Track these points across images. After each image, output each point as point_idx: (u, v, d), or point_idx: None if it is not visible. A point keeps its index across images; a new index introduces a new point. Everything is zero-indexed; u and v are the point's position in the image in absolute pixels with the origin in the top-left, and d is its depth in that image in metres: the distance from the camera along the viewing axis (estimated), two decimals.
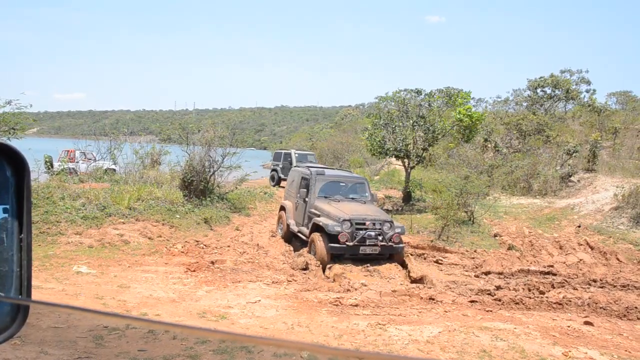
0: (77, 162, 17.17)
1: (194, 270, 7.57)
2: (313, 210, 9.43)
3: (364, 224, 8.63)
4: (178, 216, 10.86)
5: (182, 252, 8.78)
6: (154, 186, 12.64)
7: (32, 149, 11.50)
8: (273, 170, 21.72)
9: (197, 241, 9.49)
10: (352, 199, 9.92)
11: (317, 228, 8.92)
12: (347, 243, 8.39)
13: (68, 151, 17.93)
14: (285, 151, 22.54)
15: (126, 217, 9.97)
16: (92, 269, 7.23)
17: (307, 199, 9.80)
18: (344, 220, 8.52)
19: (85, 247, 8.45)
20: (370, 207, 9.69)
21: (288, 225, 10.49)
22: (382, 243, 8.55)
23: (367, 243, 8.51)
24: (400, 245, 8.84)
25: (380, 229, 8.65)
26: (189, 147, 13.28)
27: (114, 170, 15.73)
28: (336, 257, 8.54)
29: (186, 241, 9.46)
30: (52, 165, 15.42)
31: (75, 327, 4.54)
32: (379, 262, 8.61)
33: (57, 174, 12.42)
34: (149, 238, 9.39)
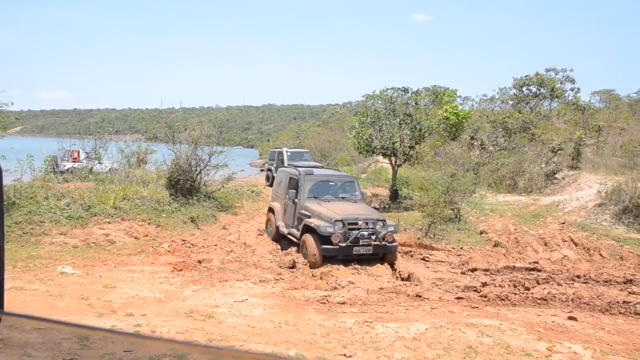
0: (81, 162, 16.95)
1: (181, 270, 7.52)
2: (303, 212, 9.22)
3: (357, 223, 8.48)
4: (164, 215, 10.78)
5: (169, 251, 8.73)
6: (140, 185, 12.53)
7: (15, 148, 11.33)
8: (268, 169, 21.26)
9: (183, 240, 9.44)
10: (343, 198, 9.77)
11: (308, 229, 8.73)
12: (340, 244, 8.25)
13: (72, 151, 17.71)
14: (279, 150, 21.79)
15: (112, 216, 9.87)
16: (77, 270, 7.14)
17: (296, 200, 9.61)
18: (336, 220, 8.37)
19: (69, 247, 8.35)
20: (361, 206, 9.56)
21: (277, 227, 10.30)
22: (376, 242, 8.43)
23: (361, 243, 8.39)
24: (394, 244, 8.74)
25: (373, 228, 8.52)
26: (175, 146, 13.18)
27: (116, 169, 15.54)
28: (328, 258, 8.42)
29: (173, 240, 9.40)
30: (57, 165, 15.17)
31: (60, 328, 4.48)
32: (368, 261, 8.56)
33: (44, 173, 12.24)
34: (135, 237, 9.31)
